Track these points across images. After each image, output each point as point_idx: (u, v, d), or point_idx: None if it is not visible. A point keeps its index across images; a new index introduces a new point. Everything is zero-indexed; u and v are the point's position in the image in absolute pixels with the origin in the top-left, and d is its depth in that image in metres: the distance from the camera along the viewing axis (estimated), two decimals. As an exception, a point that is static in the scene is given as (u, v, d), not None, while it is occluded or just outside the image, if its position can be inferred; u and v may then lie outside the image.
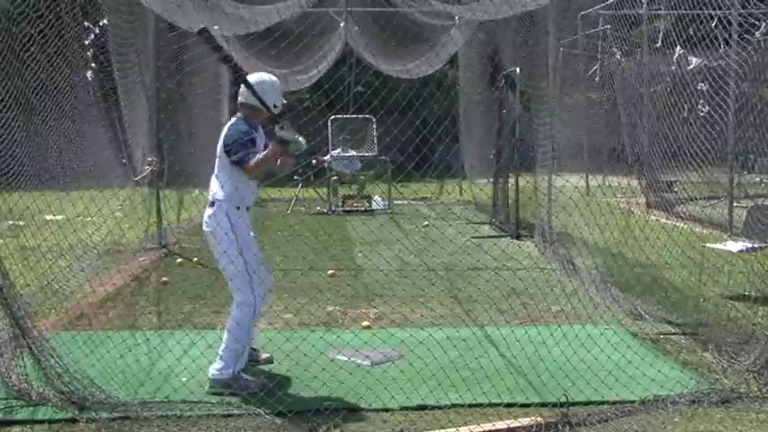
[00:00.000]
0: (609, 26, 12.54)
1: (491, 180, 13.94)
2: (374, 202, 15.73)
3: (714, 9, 7.77)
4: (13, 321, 4.97)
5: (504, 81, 12.33)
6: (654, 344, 6.15)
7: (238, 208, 5.19)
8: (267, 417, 4.62)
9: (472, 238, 11.46)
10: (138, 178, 10.55)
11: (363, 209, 15.32)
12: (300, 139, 5.07)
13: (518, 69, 11.44)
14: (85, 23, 7.98)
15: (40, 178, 7.33)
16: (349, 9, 15.60)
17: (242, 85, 5.28)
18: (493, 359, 5.68)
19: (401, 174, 15.67)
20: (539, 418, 4.55)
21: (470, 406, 4.82)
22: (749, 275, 7.10)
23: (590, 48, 13.24)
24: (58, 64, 7.47)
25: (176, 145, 11.41)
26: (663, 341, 6.23)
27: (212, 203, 5.23)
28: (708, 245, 8.77)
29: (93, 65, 8.31)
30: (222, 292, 6.92)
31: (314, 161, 15.72)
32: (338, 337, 5.90)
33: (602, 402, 4.90)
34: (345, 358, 5.68)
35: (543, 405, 4.81)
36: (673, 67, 8.85)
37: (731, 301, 6.99)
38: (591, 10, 13.84)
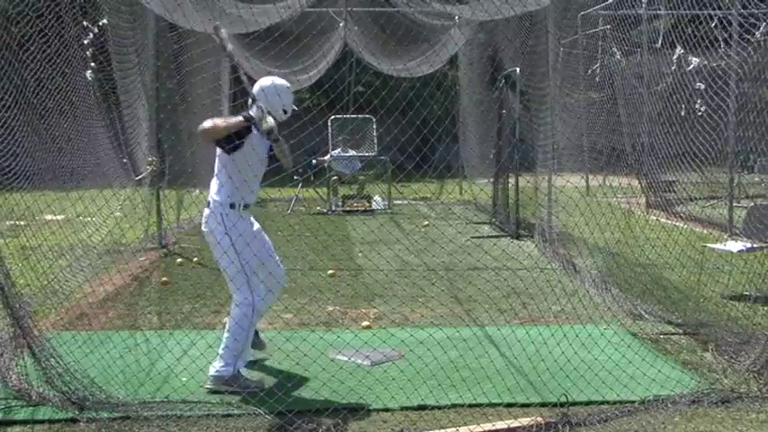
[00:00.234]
0: (609, 26, 12.54)
1: (491, 180, 13.93)
2: (374, 202, 15.73)
3: (714, 9, 7.77)
4: (13, 321, 4.98)
5: (504, 81, 12.33)
6: (654, 344, 6.15)
7: (233, 207, 5.18)
8: (267, 417, 4.62)
9: (472, 237, 11.46)
10: (138, 178, 10.56)
11: (363, 209, 15.32)
12: (269, 119, 5.05)
13: (518, 69, 11.44)
14: (84, 23, 7.98)
15: (40, 178, 7.33)
16: (349, 9, 15.59)
17: (254, 85, 5.32)
18: (493, 359, 5.68)
19: (401, 174, 15.66)
20: (539, 418, 4.55)
21: (470, 406, 4.82)
22: (749, 275, 7.10)
23: (590, 48, 13.24)
24: (58, 64, 7.47)
25: (176, 145, 11.40)
26: (663, 341, 6.23)
27: (209, 204, 5.24)
28: (708, 245, 8.77)
29: (92, 64, 8.31)
30: (222, 292, 6.92)
31: (314, 161, 15.71)
32: (338, 337, 5.91)
33: (603, 402, 4.91)
34: (345, 358, 5.68)
35: (543, 405, 4.81)
36: (673, 67, 8.84)
37: (731, 301, 6.98)
38: (591, 10, 13.82)
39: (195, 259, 9.75)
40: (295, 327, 6.66)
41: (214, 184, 5.27)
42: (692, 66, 8.36)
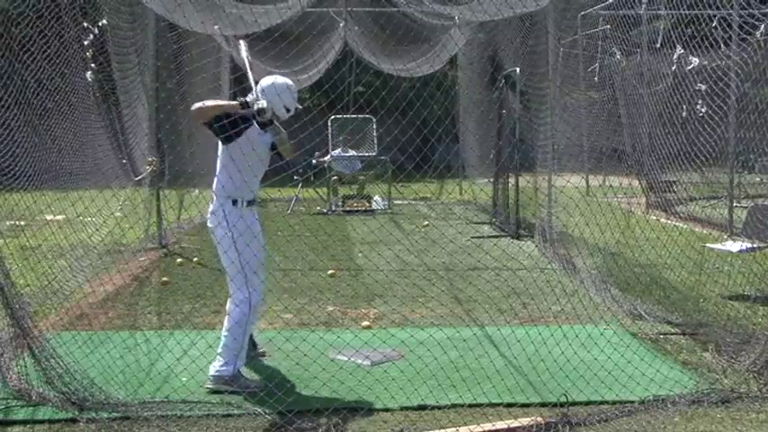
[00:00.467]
0: (609, 26, 12.54)
1: (491, 180, 13.93)
2: (374, 202, 15.73)
3: (714, 9, 7.76)
4: (13, 321, 4.98)
5: (504, 81, 12.33)
6: (654, 344, 6.15)
7: (234, 203, 5.20)
8: (267, 417, 4.62)
9: (472, 238, 11.46)
10: (138, 178, 10.56)
11: (363, 209, 15.32)
12: (262, 101, 5.08)
13: (518, 69, 11.44)
14: (84, 24, 7.98)
15: (40, 178, 7.33)
16: (349, 9, 15.58)
17: (257, 84, 5.34)
18: (493, 359, 5.68)
19: (401, 174, 15.66)
20: (539, 418, 4.55)
21: (470, 406, 4.82)
22: (749, 275, 7.11)
23: (590, 48, 13.24)
24: (58, 64, 7.47)
25: (176, 145, 11.41)
26: (663, 341, 6.23)
27: (212, 199, 5.30)
28: (708, 245, 8.77)
29: (92, 65, 8.31)
30: (222, 292, 6.92)
31: (314, 161, 15.72)
32: (338, 337, 5.91)
33: (602, 402, 4.91)
34: (345, 358, 5.68)
35: (543, 405, 4.81)
36: (673, 68, 8.84)
37: (731, 301, 6.99)
38: (591, 10, 13.82)
39: (195, 259, 9.75)
40: (295, 327, 6.66)
41: (217, 180, 5.29)
42: (692, 66, 8.36)
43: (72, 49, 7.64)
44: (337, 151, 16.38)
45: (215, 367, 5.13)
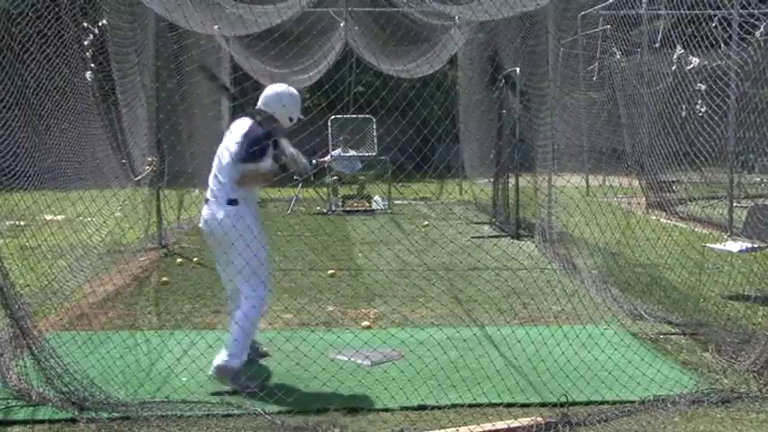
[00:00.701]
0: (609, 26, 12.54)
1: (491, 180, 13.93)
2: (374, 203, 15.73)
3: (714, 9, 7.77)
4: (13, 321, 4.98)
5: (504, 81, 12.33)
6: (654, 344, 6.15)
7: (247, 203, 5.28)
8: (267, 417, 4.61)
9: (472, 238, 11.46)
10: (138, 178, 10.55)
11: (363, 209, 15.32)
12: (302, 159, 5.14)
13: (518, 69, 11.44)
14: (84, 24, 7.98)
15: (40, 178, 7.33)
16: (349, 9, 15.59)
17: (264, 91, 5.42)
18: (493, 359, 5.68)
19: (401, 174, 15.65)
20: (539, 418, 4.55)
21: (470, 406, 4.82)
22: (749, 275, 7.10)
23: (590, 48, 13.24)
24: (57, 64, 7.47)
25: (176, 145, 11.40)
26: (663, 341, 6.23)
27: (232, 202, 5.23)
28: (708, 245, 8.77)
29: (92, 65, 8.31)
30: (222, 292, 6.91)
31: (314, 161, 15.72)
32: (338, 337, 5.91)
33: (602, 402, 4.90)
34: (345, 358, 5.68)
35: (543, 405, 4.81)
36: (673, 68, 8.84)
37: (731, 301, 6.98)
38: (591, 10, 13.83)
39: (195, 259, 9.75)
40: (295, 327, 6.66)
41: (217, 180, 5.27)
42: (692, 66, 8.36)
43: (72, 48, 7.64)
44: (337, 151, 16.38)
45: (221, 357, 5.09)
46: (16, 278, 5.62)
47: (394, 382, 5.21)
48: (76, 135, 8.47)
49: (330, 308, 7.38)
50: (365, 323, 6.75)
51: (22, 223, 7.61)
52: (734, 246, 8.18)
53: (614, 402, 4.89)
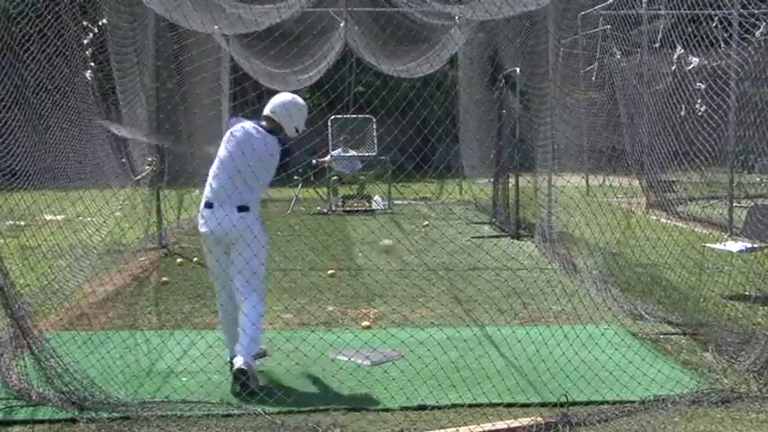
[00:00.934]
0: (609, 26, 12.54)
1: (491, 180, 13.93)
2: (374, 203, 15.73)
3: (714, 9, 7.77)
4: (13, 321, 4.98)
5: (504, 81, 12.33)
6: (654, 344, 6.15)
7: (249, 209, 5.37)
8: (267, 417, 4.61)
9: (472, 238, 11.46)
10: (137, 178, 10.55)
11: (363, 209, 15.32)
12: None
13: (518, 69, 11.44)
14: (84, 23, 7.98)
15: (40, 178, 7.33)
16: (349, 9, 15.58)
17: (272, 99, 5.52)
18: (493, 359, 5.68)
19: (401, 174, 15.65)
20: (539, 418, 4.55)
21: (470, 406, 4.82)
22: (749, 275, 7.10)
23: (590, 48, 13.24)
24: (58, 63, 7.47)
25: (176, 145, 11.41)
26: (663, 341, 6.23)
27: (244, 208, 5.24)
28: (708, 245, 8.76)
29: (92, 64, 8.31)
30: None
31: (314, 161, 15.71)
32: (338, 337, 5.91)
33: (603, 402, 4.90)
34: (345, 358, 5.68)
35: (543, 405, 4.81)
36: (673, 67, 8.84)
37: (731, 301, 6.98)
38: (591, 10, 13.83)
39: (195, 259, 9.74)
40: (295, 327, 6.66)
41: (235, 189, 5.24)
42: (692, 65, 8.36)
43: (72, 48, 7.64)
44: (337, 151, 16.38)
45: (246, 356, 5.06)
46: (16, 278, 5.62)
47: (394, 382, 5.21)
48: (76, 134, 8.47)
49: (330, 308, 7.38)
50: (365, 323, 6.75)
51: (22, 223, 7.61)
52: (734, 246, 8.17)
53: (614, 402, 4.89)
